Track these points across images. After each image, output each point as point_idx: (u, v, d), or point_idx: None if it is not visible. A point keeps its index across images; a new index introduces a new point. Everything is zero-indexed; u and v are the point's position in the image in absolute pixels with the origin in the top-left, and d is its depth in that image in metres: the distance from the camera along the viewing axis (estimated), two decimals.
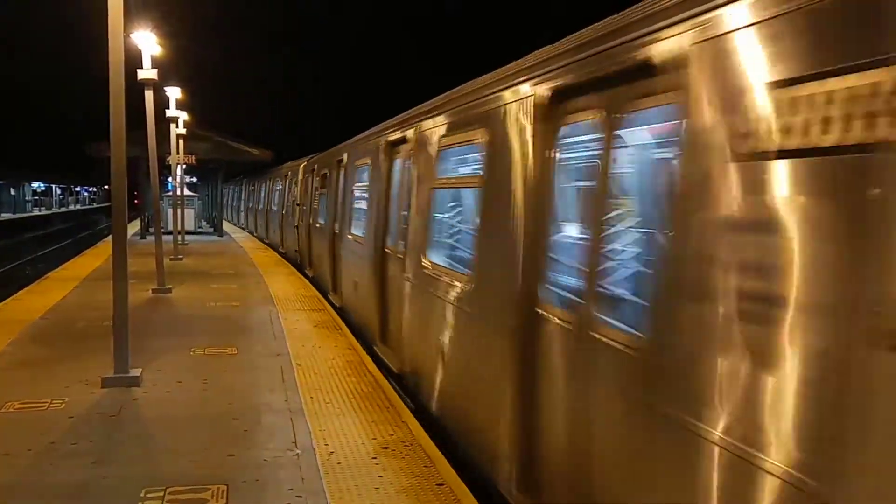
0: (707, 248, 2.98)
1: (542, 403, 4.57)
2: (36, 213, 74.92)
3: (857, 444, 2.29)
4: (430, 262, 7.09)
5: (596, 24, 4.26)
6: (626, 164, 4.33)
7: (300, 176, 19.86)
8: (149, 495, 4.96)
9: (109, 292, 7.87)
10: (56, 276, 16.96)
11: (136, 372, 7.70)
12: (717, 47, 2.99)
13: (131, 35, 13.98)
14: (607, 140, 3.95)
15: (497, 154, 5.40)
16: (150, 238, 21.25)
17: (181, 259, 20.66)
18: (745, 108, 2.77)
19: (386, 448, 5.91)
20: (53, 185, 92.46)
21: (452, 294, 6.27)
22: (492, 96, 5.62)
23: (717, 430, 2.84)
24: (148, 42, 14.62)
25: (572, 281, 4.46)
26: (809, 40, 2.56)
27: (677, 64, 3.23)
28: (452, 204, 7.65)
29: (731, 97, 2.87)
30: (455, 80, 7.09)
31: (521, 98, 4.98)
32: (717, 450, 2.85)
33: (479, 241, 5.75)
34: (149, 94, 15.03)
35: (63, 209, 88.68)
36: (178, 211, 24.90)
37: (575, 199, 4.92)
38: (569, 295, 4.39)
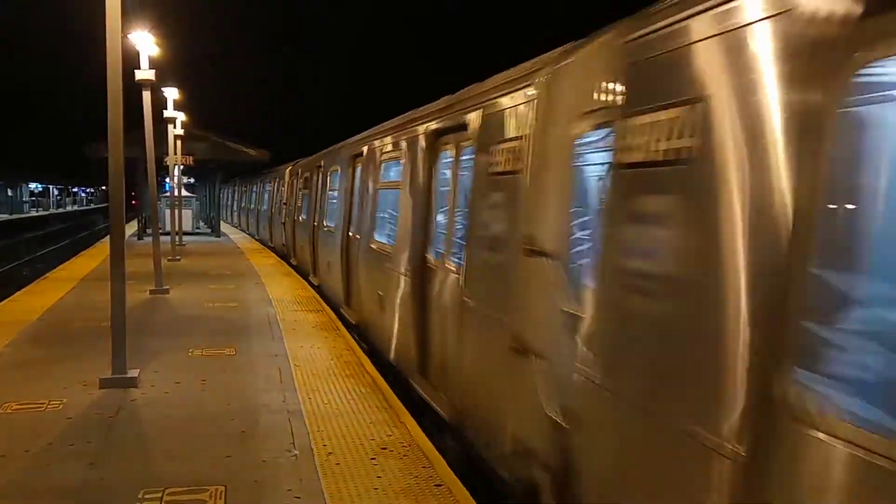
0: (480, 220, 5.79)
1: (429, 317, 7.34)
2: (33, 213, 74.82)
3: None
4: (376, 241, 10.00)
5: (450, 96, 7.72)
6: (461, 175, 6.82)
7: (286, 179, 22.30)
8: (147, 496, 4.95)
9: (107, 293, 7.86)
10: (54, 277, 16.94)
11: (133, 373, 7.69)
12: (483, 121, 6.07)
13: (129, 35, 13.97)
14: (455, 161, 6.96)
15: (409, 166, 8.50)
16: (148, 239, 21.25)
17: (179, 260, 20.64)
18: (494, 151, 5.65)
19: (384, 449, 5.90)
20: (51, 186, 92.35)
21: (386, 260, 9.08)
22: (407, 129, 8.87)
23: (471, 300, 5.88)
24: (146, 42, 14.61)
25: (441, 245, 7.27)
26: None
27: (472, 125, 6.26)
28: (389, 201, 9.94)
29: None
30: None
31: (421, 133, 8.00)
32: (486, 318, 5.55)
33: (400, 224, 8.63)
34: (146, 95, 15.02)
35: (60, 210, 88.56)
36: (176, 212, 24.88)
37: (441, 196, 7.66)
38: (439, 252, 7.33)
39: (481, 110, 6.00)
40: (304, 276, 16.97)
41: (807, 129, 2.55)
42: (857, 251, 2.63)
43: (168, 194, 30.79)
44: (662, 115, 3.29)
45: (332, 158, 15.06)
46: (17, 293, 14.26)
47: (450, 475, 5.39)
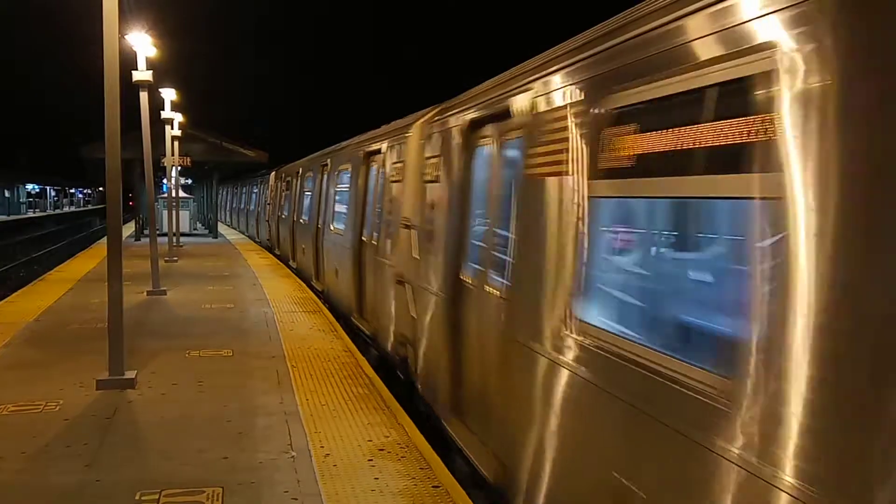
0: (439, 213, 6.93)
1: (365, 281, 10.64)
2: (30, 214, 74.68)
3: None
4: (335, 228, 13.39)
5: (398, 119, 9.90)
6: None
7: (271, 182, 26.19)
8: (143, 498, 4.94)
9: (104, 294, 7.85)
10: (51, 278, 16.91)
11: (130, 374, 7.67)
12: (388, 148, 9.71)
13: (126, 36, 13.96)
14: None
15: (352, 177, 11.94)
16: (146, 240, 21.19)
17: (176, 261, 20.63)
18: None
19: (382, 450, 5.89)
20: (48, 187, 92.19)
21: (341, 241, 12.44)
22: (350, 149, 12.55)
23: (388, 260, 8.98)
24: (143, 43, 14.60)
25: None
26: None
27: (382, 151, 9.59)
28: (343, 197, 13.01)
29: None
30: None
31: (359, 152, 11.53)
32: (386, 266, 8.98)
33: (350, 213, 11.75)
34: (144, 96, 15.00)
35: (57, 211, 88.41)
36: (173, 212, 24.85)
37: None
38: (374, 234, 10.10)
39: (387, 141, 9.82)
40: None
41: None
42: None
43: (165, 195, 30.77)
44: (433, 160, 7.19)
45: (309, 166, 17.71)
46: (14, 294, 14.25)
47: (448, 477, 5.39)
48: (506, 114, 5.25)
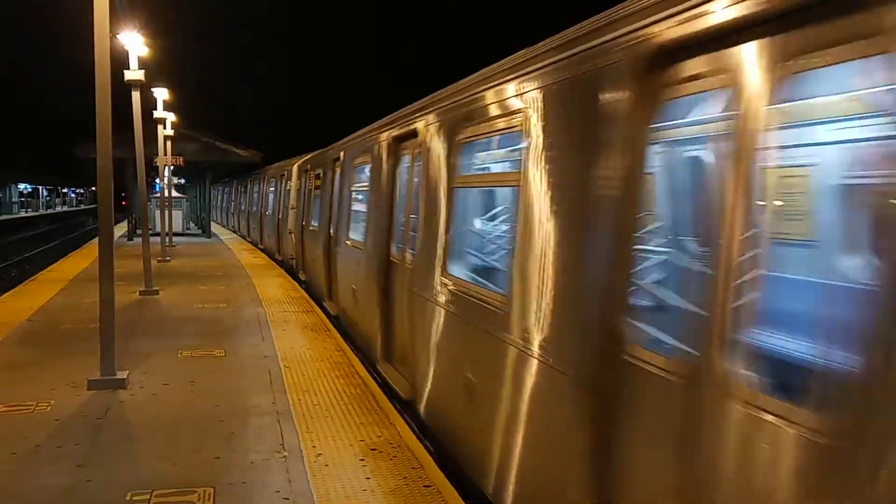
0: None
1: (335, 268, 11.90)
2: (23, 214, 74.38)
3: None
4: (312, 223, 14.90)
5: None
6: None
7: (294, 179, 25.51)
8: (134, 498, 4.94)
9: (97, 294, 7.83)
10: (43, 278, 16.85)
11: (122, 374, 7.66)
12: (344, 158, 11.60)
13: (118, 36, 13.91)
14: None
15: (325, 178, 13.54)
16: (138, 240, 21.13)
17: (169, 261, 20.59)
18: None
19: (374, 450, 5.90)
20: (40, 187, 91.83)
21: (315, 231, 13.94)
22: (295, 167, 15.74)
23: (353, 240, 10.57)
24: (135, 43, 14.56)
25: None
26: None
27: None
28: (316, 198, 14.60)
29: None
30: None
31: (292, 167, 17.39)
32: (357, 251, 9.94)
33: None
34: (136, 96, 14.95)
35: (50, 211, 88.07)
36: (166, 212, 24.80)
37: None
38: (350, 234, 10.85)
39: (343, 151, 11.79)
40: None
41: None
42: None
43: (158, 195, 30.70)
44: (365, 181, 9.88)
45: (281, 170, 21.45)
46: (6, 294, 14.20)
47: (439, 476, 5.40)
48: (413, 133, 7.40)
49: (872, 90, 2.60)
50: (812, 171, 4.24)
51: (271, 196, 23.87)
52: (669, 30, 3.07)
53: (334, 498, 4.99)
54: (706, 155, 4.55)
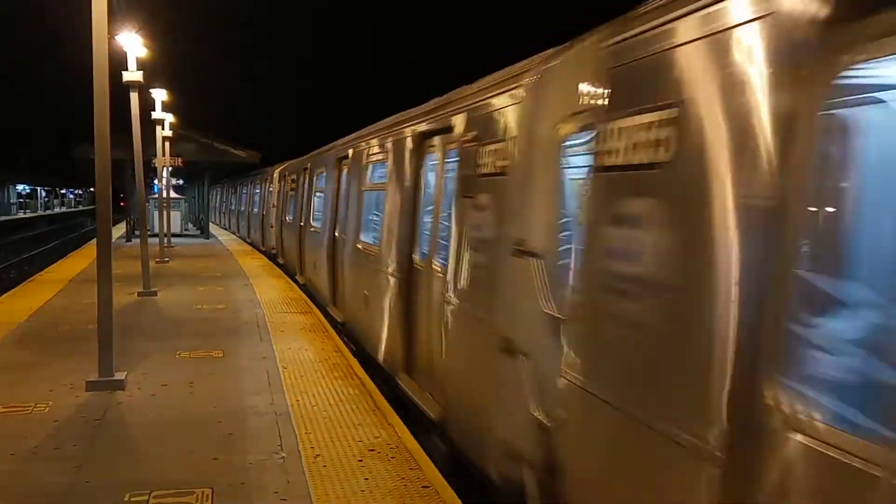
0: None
1: (304, 253, 15.69)
2: (21, 215, 74.30)
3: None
4: (290, 217, 17.84)
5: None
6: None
7: (247, 187, 31.78)
8: (133, 499, 4.93)
9: (95, 295, 7.82)
10: (41, 279, 16.84)
11: (120, 375, 7.65)
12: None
13: (116, 37, 13.92)
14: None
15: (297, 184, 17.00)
16: (137, 241, 21.15)
17: (167, 262, 20.57)
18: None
19: (372, 450, 5.90)
20: (39, 188, 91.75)
21: (291, 223, 17.68)
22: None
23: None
24: (133, 44, 14.56)
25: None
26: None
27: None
28: (292, 197, 17.77)
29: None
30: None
31: (274, 172, 22.82)
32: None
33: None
34: (134, 97, 14.96)
35: (48, 212, 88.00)
36: (164, 213, 24.80)
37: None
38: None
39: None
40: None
41: None
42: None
43: (156, 196, 30.69)
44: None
45: (266, 174, 26.11)
46: (4, 295, 14.19)
47: (437, 477, 5.40)
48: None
49: None
50: None
51: (273, 196, 23.70)
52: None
53: (332, 499, 4.99)
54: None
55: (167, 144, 25.80)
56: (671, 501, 3.05)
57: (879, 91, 2.57)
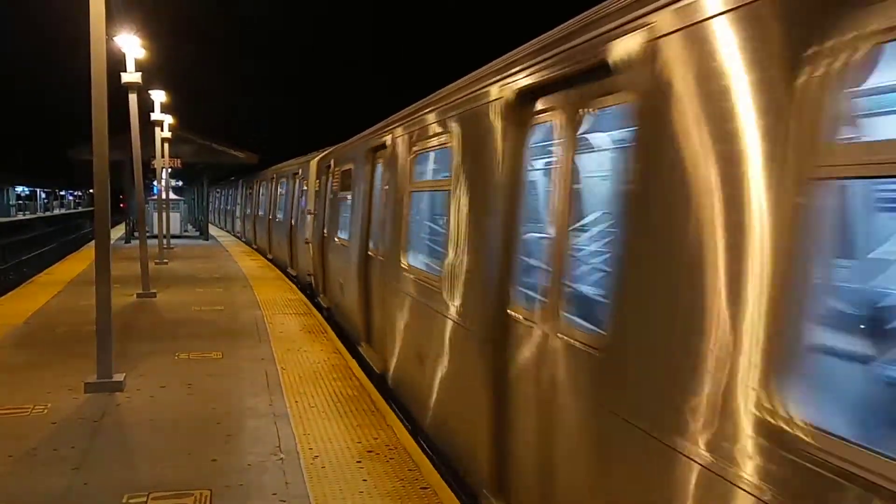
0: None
1: (296, 251, 17.11)
2: (20, 217, 74.25)
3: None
4: (275, 215, 21.39)
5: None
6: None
7: (238, 189, 32.65)
8: (131, 501, 4.93)
9: (94, 297, 7.82)
10: (40, 281, 16.84)
11: (119, 377, 7.65)
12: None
13: (115, 38, 13.92)
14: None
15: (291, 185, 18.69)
16: (136, 242, 21.15)
17: (166, 263, 20.56)
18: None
19: (371, 452, 5.89)
20: (38, 189, 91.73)
21: (279, 220, 20.92)
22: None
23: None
24: (132, 45, 14.56)
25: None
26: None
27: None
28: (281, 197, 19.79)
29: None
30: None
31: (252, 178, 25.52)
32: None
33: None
34: (133, 98, 14.95)
35: (48, 213, 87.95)
36: (164, 214, 24.79)
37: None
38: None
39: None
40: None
41: None
42: None
43: (155, 197, 30.69)
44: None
45: (262, 176, 27.60)
46: (3, 297, 14.17)
47: (436, 478, 5.40)
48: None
49: None
50: None
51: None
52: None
53: (331, 500, 4.99)
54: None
55: (166, 146, 25.81)
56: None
57: None
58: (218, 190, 47.76)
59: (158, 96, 23.00)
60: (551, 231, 4.04)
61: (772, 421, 2.25)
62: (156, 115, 23.21)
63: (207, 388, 7.69)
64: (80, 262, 20.41)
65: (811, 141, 2.19)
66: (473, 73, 5.61)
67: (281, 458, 5.71)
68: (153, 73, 19.43)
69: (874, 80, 2.28)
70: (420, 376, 6.47)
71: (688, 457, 2.63)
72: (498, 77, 4.85)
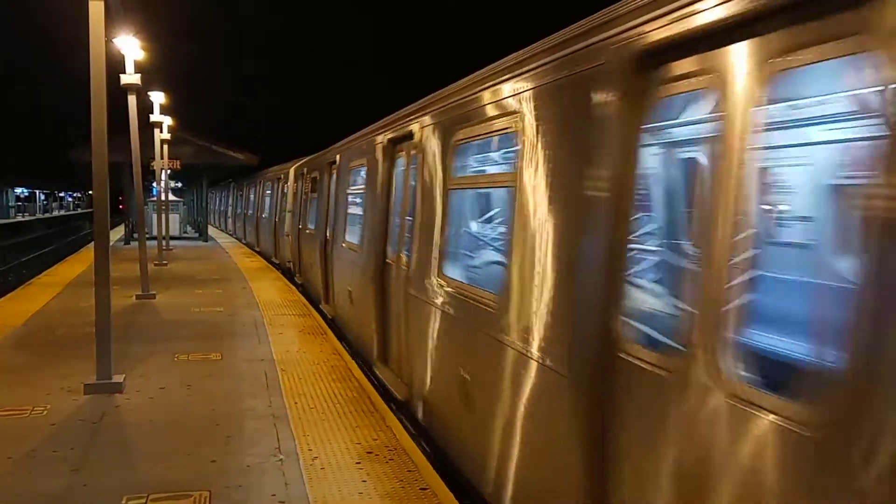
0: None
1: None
2: (19, 218, 74.22)
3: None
4: (263, 215, 24.40)
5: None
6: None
7: (232, 190, 34.36)
8: (130, 502, 4.93)
9: (93, 298, 7.82)
10: (39, 282, 16.83)
11: (118, 378, 7.65)
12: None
13: (114, 40, 13.92)
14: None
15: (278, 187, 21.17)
16: (135, 243, 21.15)
17: (166, 264, 20.56)
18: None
19: (370, 453, 5.90)
20: (37, 191, 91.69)
21: (265, 217, 24.29)
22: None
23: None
24: (131, 47, 14.55)
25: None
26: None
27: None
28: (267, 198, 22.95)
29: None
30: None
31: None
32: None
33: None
34: (132, 99, 14.95)
35: (47, 215, 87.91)
36: (163, 216, 24.80)
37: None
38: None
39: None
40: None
41: None
42: None
43: (155, 199, 30.69)
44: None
45: (256, 178, 29.66)
46: (2, 299, 14.17)
47: (435, 479, 5.40)
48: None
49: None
50: None
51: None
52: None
53: (330, 501, 4.99)
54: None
55: (165, 147, 25.81)
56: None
57: None
58: (213, 192, 48.33)
59: (158, 98, 22.98)
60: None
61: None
62: (155, 117, 23.19)
63: (207, 389, 7.69)
64: (80, 263, 20.41)
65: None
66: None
67: (280, 459, 5.71)
68: (152, 73, 19.38)
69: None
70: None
71: None
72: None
